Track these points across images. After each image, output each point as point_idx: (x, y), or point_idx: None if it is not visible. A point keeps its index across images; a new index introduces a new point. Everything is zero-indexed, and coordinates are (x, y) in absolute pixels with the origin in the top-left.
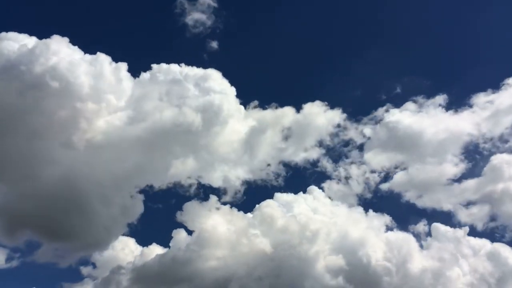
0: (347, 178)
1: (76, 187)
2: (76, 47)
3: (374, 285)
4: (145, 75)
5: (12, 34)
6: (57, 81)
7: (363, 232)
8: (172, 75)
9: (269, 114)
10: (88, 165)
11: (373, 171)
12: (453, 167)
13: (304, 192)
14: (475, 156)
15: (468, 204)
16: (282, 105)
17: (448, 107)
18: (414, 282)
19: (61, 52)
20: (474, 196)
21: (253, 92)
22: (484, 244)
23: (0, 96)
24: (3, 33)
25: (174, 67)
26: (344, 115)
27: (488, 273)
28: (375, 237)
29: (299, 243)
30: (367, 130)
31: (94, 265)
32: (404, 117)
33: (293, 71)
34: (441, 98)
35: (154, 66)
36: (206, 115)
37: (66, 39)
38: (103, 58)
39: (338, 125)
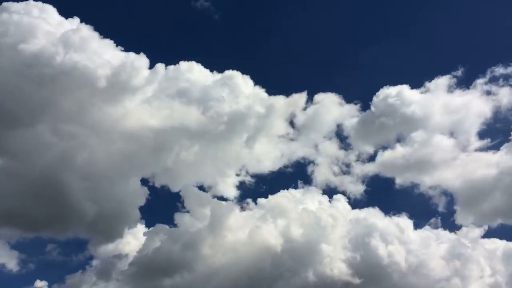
0: (355, 172)
1: (79, 181)
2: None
3: (384, 280)
4: (161, 71)
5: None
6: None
7: (372, 228)
8: (185, 71)
9: (279, 102)
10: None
11: (380, 165)
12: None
13: (309, 187)
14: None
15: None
16: (292, 93)
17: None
18: (424, 278)
19: (75, 38)
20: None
21: (264, 80)
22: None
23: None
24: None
25: (184, 63)
26: (357, 107)
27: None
28: (387, 233)
29: (306, 236)
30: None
31: (98, 257)
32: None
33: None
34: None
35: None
36: (222, 112)
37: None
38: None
39: (350, 118)
